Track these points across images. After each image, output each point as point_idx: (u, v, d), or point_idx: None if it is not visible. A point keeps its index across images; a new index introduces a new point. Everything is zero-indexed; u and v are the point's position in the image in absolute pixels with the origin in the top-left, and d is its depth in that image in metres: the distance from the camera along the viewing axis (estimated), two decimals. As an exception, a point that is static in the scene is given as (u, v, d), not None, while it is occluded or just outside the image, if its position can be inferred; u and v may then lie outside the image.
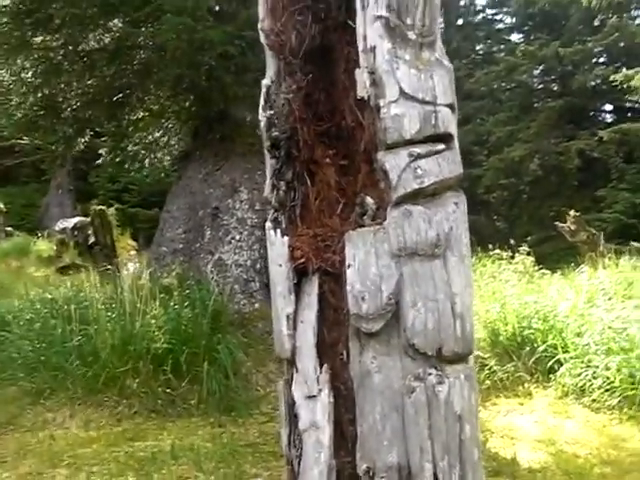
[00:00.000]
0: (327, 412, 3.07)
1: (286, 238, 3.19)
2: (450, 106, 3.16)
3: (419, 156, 3.01)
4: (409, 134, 3.02)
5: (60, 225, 17.32)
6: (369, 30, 3.20)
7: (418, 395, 2.97)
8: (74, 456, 4.65)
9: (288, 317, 3.17)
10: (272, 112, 3.28)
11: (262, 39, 3.54)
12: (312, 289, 3.18)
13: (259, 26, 3.59)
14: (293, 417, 3.20)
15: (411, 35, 3.20)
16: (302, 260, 3.14)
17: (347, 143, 3.33)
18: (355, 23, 3.28)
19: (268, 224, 3.29)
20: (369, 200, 3.05)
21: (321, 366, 3.13)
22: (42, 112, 9.60)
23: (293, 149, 3.26)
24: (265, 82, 3.45)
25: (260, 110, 3.35)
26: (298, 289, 3.20)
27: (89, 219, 15.74)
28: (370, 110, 3.11)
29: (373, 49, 3.16)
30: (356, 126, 3.24)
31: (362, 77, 3.16)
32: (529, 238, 20.85)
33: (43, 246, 17.33)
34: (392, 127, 3.01)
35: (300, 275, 3.20)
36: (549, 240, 20.61)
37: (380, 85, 3.08)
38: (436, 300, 2.96)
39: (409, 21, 3.19)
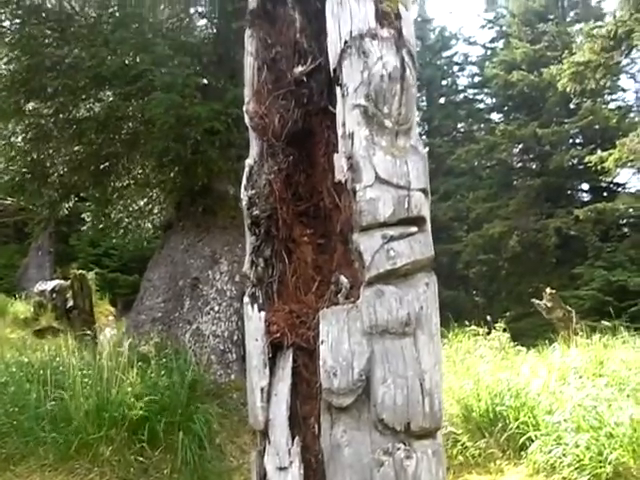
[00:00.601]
0: (297, 485, 3.12)
1: (263, 313, 3.30)
2: (423, 190, 3.34)
3: (392, 238, 3.16)
4: (383, 217, 3.19)
5: (39, 287, 17.21)
6: (348, 117, 3.40)
7: (386, 469, 3.04)
8: (42, 525, 4.56)
9: (262, 390, 3.26)
10: (254, 192, 3.43)
11: (247, 121, 3.73)
12: (286, 363, 3.27)
13: (244, 108, 3.78)
14: (264, 489, 3.25)
15: (388, 123, 3.40)
16: (278, 335, 3.24)
17: (324, 223, 3.48)
18: (335, 109, 3.48)
19: (246, 299, 3.40)
20: (343, 279, 3.18)
21: (293, 438, 3.19)
22: (29, 176, 9.75)
23: (272, 228, 3.40)
24: (248, 162, 3.62)
25: (242, 189, 3.51)
26: (273, 363, 3.30)
27: (68, 283, 15.68)
28: (347, 193, 3.28)
29: (351, 135, 3.35)
30: (333, 207, 3.40)
31: (340, 162, 3.34)
32: (507, 314, 21.05)
33: (20, 308, 17.16)
34: (367, 210, 3.18)
35: (275, 349, 3.30)
36: (527, 316, 20.78)
37: (357, 170, 3.26)
38: (406, 377, 3.07)
39: (386, 110, 3.40)
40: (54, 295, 16.01)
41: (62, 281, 16.61)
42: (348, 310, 3.10)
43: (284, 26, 3.86)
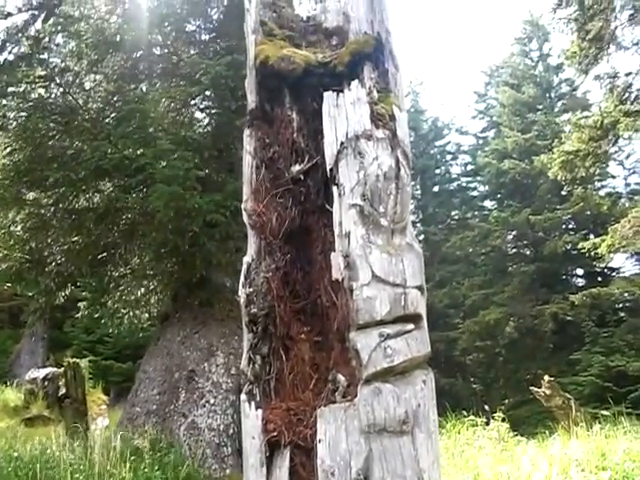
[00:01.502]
0: None
1: (260, 411, 3.29)
2: (419, 288, 3.39)
3: (389, 336, 3.20)
4: (380, 315, 3.23)
5: (31, 375, 16.97)
6: (344, 216, 3.48)
7: None
8: None
9: (259, 490, 3.21)
10: (251, 290, 3.48)
11: (245, 219, 3.81)
12: (283, 462, 3.23)
13: (242, 206, 3.87)
14: None
15: (383, 222, 3.49)
16: (275, 433, 3.22)
17: (322, 320, 3.51)
18: (332, 207, 3.57)
19: (243, 396, 3.39)
20: (341, 377, 3.19)
21: (290, 542, 3.12)
22: (27, 265, 9.79)
23: (270, 325, 3.43)
24: (246, 259, 3.68)
25: (240, 287, 3.55)
26: (270, 462, 3.26)
27: (61, 370, 15.50)
28: (344, 291, 3.33)
29: (348, 234, 3.43)
30: (330, 305, 3.44)
31: (337, 260, 3.41)
32: (506, 401, 20.77)
33: (11, 395, 16.88)
34: (364, 308, 3.23)
35: (272, 447, 3.27)
36: (526, 404, 20.50)
37: (353, 268, 3.32)
38: (404, 476, 3.04)
39: (382, 209, 3.49)
40: (46, 383, 15.79)
41: (55, 369, 16.42)
42: (346, 409, 3.10)
43: (282, 126, 3.99)
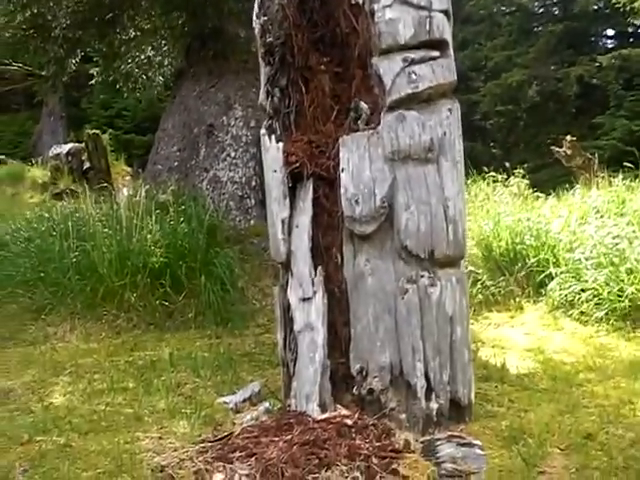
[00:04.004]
0: (321, 314, 3.15)
1: (281, 144, 3.21)
2: (445, 12, 3.14)
3: (413, 61, 3.02)
4: (403, 39, 3.02)
5: (54, 151, 17.08)
6: None
7: (411, 297, 3.05)
8: (75, 365, 4.69)
9: (283, 222, 3.22)
10: (266, 18, 3.25)
11: (258, -56, 3.48)
12: (307, 194, 3.21)
13: None
14: (288, 320, 3.29)
15: (408, -61, 3.16)
16: (297, 165, 3.16)
17: (341, 50, 3.31)
18: None
19: (263, 131, 3.30)
20: (363, 105, 3.06)
21: (315, 269, 3.19)
22: (31, 32, 9.36)
23: (287, 55, 3.24)
24: (260, -13, 3.41)
25: (254, 16, 3.33)
26: (293, 195, 3.24)
27: (83, 145, 15.61)
28: (365, 15, 3.10)
29: (369, -47, 3.12)
30: (350, 32, 3.22)
31: (357, -19, 3.14)
32: (525, 165, 20.86)
33: (37, 173, 17.18)
34: (386, 32, 3.02)
35: (295, 180, 3.23)
36: (545, 167, 20.55)
37: (375, -11, 3.06)
38: (429, 204, 3.02)
39: None
40: (70, 158, 15.92)
41: (77, 144, 16.53)
42: (369, 136, 3.01)
43: None
